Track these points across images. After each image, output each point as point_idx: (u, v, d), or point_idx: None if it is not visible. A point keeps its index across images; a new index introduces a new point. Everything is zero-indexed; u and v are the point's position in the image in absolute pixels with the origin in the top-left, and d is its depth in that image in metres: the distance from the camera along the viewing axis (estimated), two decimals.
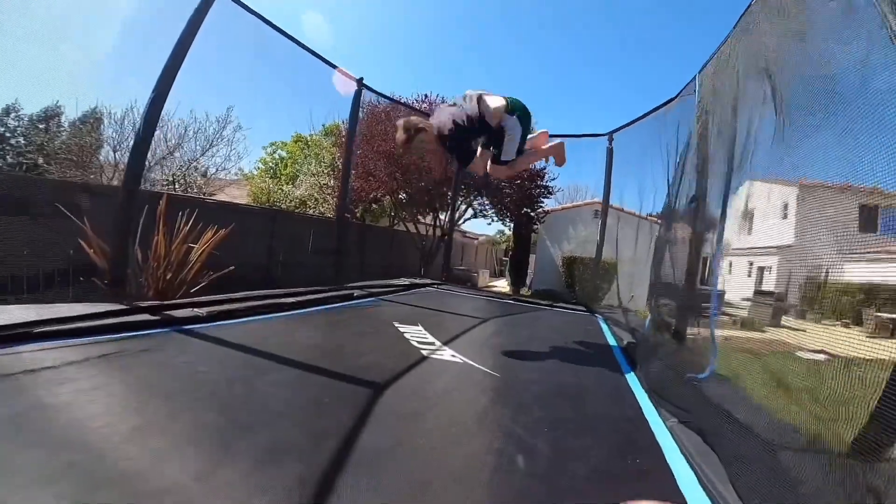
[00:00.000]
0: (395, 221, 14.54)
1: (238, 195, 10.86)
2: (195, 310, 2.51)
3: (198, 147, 8.95)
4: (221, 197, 9.61)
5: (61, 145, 7.67)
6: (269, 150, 14.39)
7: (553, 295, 9.38)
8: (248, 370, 1.97)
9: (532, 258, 16.60)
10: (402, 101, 8.53)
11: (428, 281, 6.67)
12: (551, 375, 2.55)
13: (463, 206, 13.91)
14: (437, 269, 9.50)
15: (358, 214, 12.83)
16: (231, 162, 9.83)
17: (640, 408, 2.09)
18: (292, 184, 11.88)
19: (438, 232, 13.07)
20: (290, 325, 2.89)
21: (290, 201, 11.32)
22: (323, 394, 1.82)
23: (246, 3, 3.57)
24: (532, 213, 14.61)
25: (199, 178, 9.06)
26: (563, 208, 15.47)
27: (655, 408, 2.07)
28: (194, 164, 8.84)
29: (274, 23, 3.90)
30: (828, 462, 1.36)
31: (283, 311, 3.15)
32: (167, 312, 2.37)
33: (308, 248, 8.50)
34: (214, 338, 2.28)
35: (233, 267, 5.18)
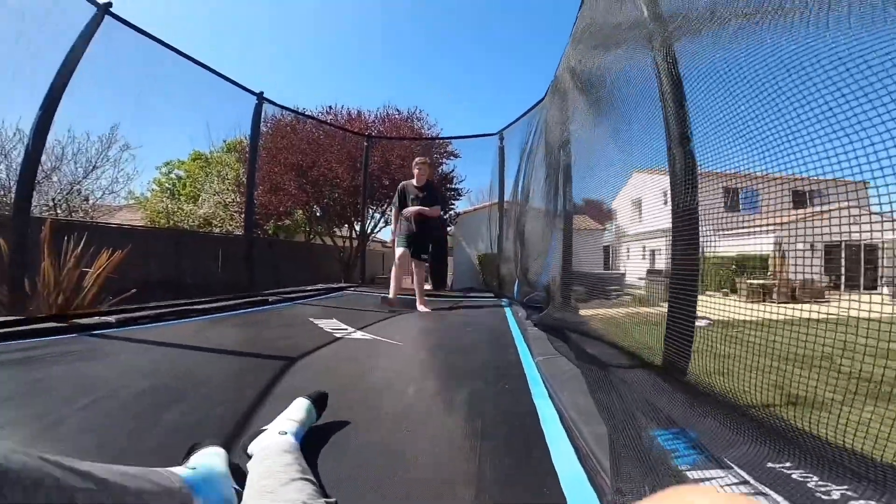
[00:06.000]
0: (311, 236, 14.40)
1: (133, 219, 10.13)
2: (104, 318, 2.57)
3: (79, 169, 8.22)
4: (114, 221, 8.94)
5: None
6: (163, 170, 13.61)
7: (471, 290, 9.92)
8: (157, 363, 2.08)
9: (451, 260, 17.08)
10: (306, 113, 8.51)
11: (345, 284, 6.85)
12: (450, 339, 2.96)
13: (377, 216, 14.16)
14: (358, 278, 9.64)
15: (270, 231, 12.57)
16: (119, 184, 9.09)
17: (518, 353, 2.56)
18: (194, 203, 11.31)
19: (356, 242, 13.17)
20: (202, 326, 2.99)
21: (193, 221, 10.80)
22: (233, 373, 2.03)
23: (134, 22, 3.55)
24: (444, 217, 15.16)
25: (83, 203, 8.33)
26: (474, 209, 16.12)
27: (530, 351, 2.57)
28: (76, 187, 8.09)
29: (165, 41, 3.92)
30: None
31: (195, 316, 3.24)
32: (75, 320, 2.42)
33: (218, 267, 8.27)
34: (124, 338, 2.38)
35: (135, 290, 5.02)
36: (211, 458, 0.95)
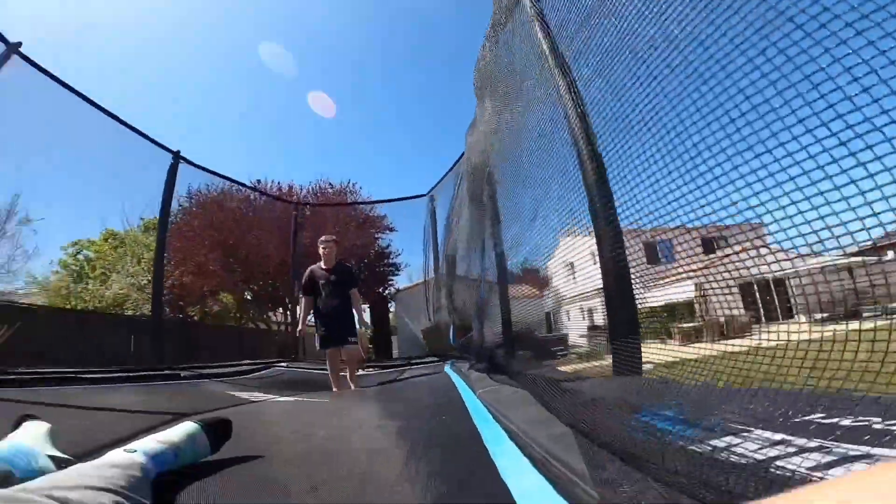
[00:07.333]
0: (242, 321, 13.45)
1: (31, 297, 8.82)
2: None
3: None
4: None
5: None
6: (70, 250, 12.31)
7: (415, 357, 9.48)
8: None
9: (394, 339, 16.38)
10: (227, 177, 7.80)
11: (276, 360, 6.29)
12: (384, 392, 2.72)
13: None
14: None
15: (195, 316, 11.58)
16: (17, 263, 7.95)
17: (458, 391, 2.39)
18: (103, 284, 10.17)
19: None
20: (86, 392, 2.52)
21: (100, 302, 9.64)
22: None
23: (48, 68, 3.30)
24: (385, 294, 14.82)
25: None
26: (413, 286, 15.80)
27: (471, 389, 2.37)
28: None
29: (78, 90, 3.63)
30: None
31: (83, 384, 2.75)
32: None
33: (130, 352, 7.34)
34: None
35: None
36: (25, 434, 1.01)
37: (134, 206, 9.38)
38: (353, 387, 3.81)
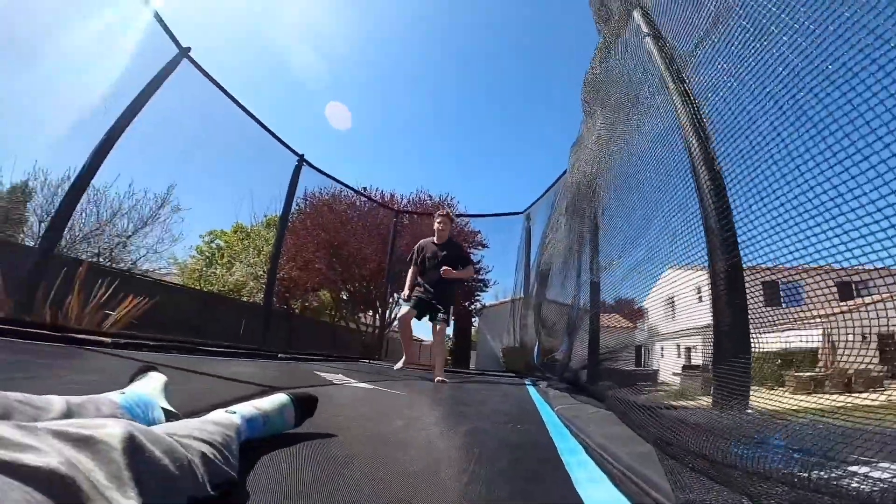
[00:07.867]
0: (336, 318, 14.36)
1: (171, 279, 10.36)
2: (101, 337, 2.51)
3: (130, 225, 8.33)
4: (149, 275, 8.98)
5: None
6: (206, 238, 14.07)
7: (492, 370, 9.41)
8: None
9: (473, 354, 16.40)
10: (342, 181, 8.50)
11: (361, 357, 6.61)
12: (459, 393, 2.74)
13: (402, 301, 14.03)
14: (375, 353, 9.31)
15: (296, 309, 12.61)
16: (164, 245, 9.26)
17: (535, 405, 2.38)
18: (227, 270, 11.60)
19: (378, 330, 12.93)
20: (198, 360, 2.86)
21: (223, 285, 11.00)
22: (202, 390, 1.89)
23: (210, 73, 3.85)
24: (470, 308, 14.92)
25: (126, 257, 8.49)
26: (500, 303, 15.73)
27: (549, 405, 2.35)
28: (122, 241, 8.25)
29: (233, 94, 4.16)
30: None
31: (198, 354, 3.13)
32: (70, 334, 2.37)
33: (239, 334, 8.20)
34: (113, 355, 2.27)
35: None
36: (147, 384, 1.11)
37: (260, 203, 10.55)
38: (439, 377, 3.72)
